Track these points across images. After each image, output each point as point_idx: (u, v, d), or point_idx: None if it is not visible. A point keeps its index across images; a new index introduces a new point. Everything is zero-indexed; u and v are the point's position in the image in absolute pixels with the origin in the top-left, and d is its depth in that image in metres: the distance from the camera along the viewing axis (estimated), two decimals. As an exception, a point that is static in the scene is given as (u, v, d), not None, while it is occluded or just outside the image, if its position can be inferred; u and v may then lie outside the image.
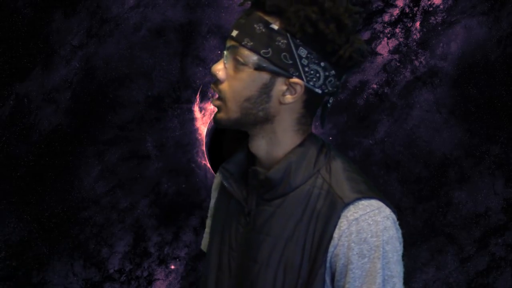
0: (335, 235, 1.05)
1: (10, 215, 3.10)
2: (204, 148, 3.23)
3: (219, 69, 1.08)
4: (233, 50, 1.06)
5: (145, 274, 3.29)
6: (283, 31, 1.03)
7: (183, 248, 3.30)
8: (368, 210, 1.05)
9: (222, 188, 1.29)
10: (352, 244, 1.03)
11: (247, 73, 1.06)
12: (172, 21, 3.16)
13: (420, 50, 3.23)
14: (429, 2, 3.20)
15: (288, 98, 1.07)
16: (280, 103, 1.08)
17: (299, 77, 1.05)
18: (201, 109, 3.25)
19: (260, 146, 1.14)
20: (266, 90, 1.07)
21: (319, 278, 1.05)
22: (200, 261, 3.31)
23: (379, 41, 3.23)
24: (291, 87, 1.06)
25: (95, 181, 3.19)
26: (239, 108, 1.08)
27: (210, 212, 1.38)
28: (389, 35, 3.23)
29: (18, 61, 3.05)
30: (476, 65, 3.19)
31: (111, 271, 3.25)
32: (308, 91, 1.08)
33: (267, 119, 1.10)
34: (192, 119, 3.25)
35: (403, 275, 1.08)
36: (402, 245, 1.10)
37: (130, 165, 3.22)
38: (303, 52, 1.04)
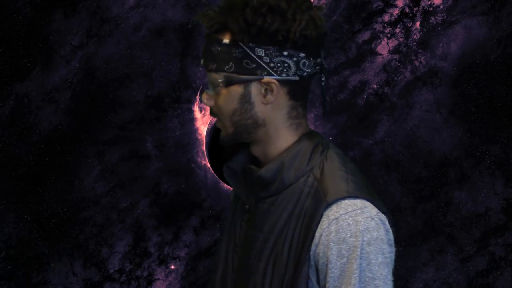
0: (317, 234, 1.06)
1: (10, 215, 3.10)
2: (204, 148, 3.23)
3: (206, 98, 1.16)
4: (209, 77, 1.13)
5: (145, 274, 3.29)
6: (233, 41, 1.07)
7: (183, 248, 3.30)
8: (349, 210, 1.05)
9: None
10: (331, 243, 1.04)
11: (223, 92, 1.11)
12: (172, 21, 3.16)
13: (420, 50, 3.23)
14: (429, 2, 3.20)
15: (269, 98, 1.11)
16: (264, 104, 1.11)
17: (269, 74, 1.08)
18: (201, 109, 3.25)
19: (259, 149, 1.17)
20: (245, 99, 1.11)
21: (303, 276, 1.07)
22: (200, 261, 3.31)
23: (379, 41, 3.23)
24: (266, 86, 1.10)
25: (95, 181, 3.19)
26: (231, 123, 1.14)
27: None
28: (389, 35, 3.23)
29: (18, 61, 3.05)
30: (476, 65, 3.19)
31: (111, 271, 3.25)
32: (285, 83, 1.10)
33: (258, 124, 1.13)
34: (192, 119, 3.25)
35: (391, 278, 1.07)
36: (393, 247, 1.09)
37: (130, 165, 3.22)
38: (260, 51, 1.07)
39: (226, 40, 1.07)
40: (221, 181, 3.22)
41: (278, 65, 1.08)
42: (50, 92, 3.11)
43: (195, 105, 3.24)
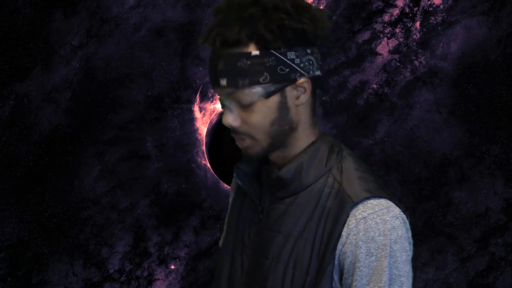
0: (344, 233, 1.06)
1: (10, 215, 3.10)
2: (204, 148, 3.23)
3: (230, 120, 1.08)
4: (232, 97, 1.06)
5: (145, 274, 3.29)
6: (265, 50, 1.02)
7: (183, 248, 3.30)
8: (376, 209, 1.06)
9: (238, 186, 1.31)
10: (360, 242, 1.04)
11: (260, 106, 1.06)
12: (172, 21, 3.16)
13: (420, 50, 3.23)
14: (429, 2, 3.20)
15: (302, 98, 1.10)
16: (297, 106, 1.10)
17: (302, 75, 1.07)
18: (201, 109, 3.25)
19: (277, 151, 1.15)
20: (283, 105, 1.08)
21: (327, 275, 1.06)
22: (200, 261, 3.31)
23: (379, 41, 3.23)
24: (300, 87, 1.09)
25: (95, 181, 3.19)
26: (268, 135, 1.09)
27: (228, 210, 1.41)
28: (389, 35, 3.23)
29: (18, 61, 3.05)
30: (476, 65, 3.19)
31: (111, 271, 3.25)
32: (312, 80, 1.10)
33: (292, 128, 1.12)
34: (192, 119, 3.25)
35: (412, 275, 1.08)
36: (412, 245, 1.10)
37: (130, 165, 3.22)
38: (292, 54, 1.05)
39: (255, 52, 1.02)
40: (221, 181, 3.22)
41: (306, 63, 1.07)
42: (50, 92, 3.11)
43: (195, 105, 3.24)
